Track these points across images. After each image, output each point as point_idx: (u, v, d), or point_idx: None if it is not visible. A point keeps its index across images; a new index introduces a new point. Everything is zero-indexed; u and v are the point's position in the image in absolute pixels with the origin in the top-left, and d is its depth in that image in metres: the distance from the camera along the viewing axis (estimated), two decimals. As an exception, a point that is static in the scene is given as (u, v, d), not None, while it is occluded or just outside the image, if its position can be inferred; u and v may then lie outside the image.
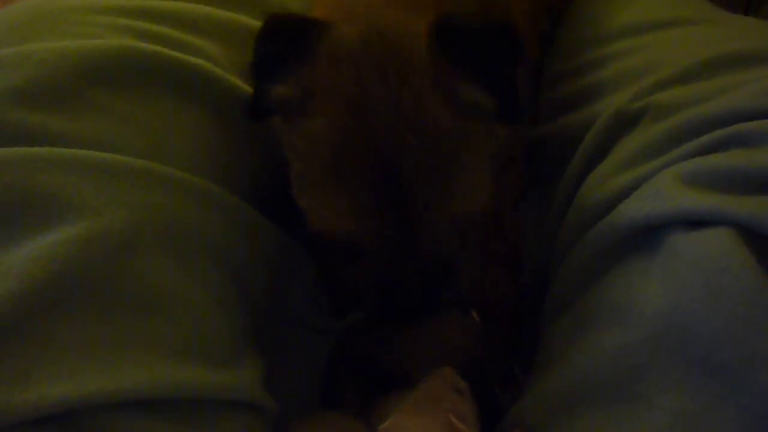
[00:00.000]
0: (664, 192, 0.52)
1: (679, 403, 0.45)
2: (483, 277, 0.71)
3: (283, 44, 0.57)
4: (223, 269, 0.56)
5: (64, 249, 0.44)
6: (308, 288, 0.72)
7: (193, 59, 0.61)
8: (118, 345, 0.45)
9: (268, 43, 0.58)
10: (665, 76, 0.63)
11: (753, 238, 0.46)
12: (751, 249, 0.45)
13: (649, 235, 0.53)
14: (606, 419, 0.48)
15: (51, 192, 0.47)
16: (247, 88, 0.66)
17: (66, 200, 0.47)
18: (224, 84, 0.63)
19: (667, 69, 0.64)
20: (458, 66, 0.55)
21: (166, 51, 0.59)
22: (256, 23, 0.73)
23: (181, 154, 0.57)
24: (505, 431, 0.56)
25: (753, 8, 1.03)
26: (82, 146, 0.51)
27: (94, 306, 0.45)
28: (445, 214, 0.56)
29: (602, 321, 0.52)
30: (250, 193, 0.64)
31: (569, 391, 0.51)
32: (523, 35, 0.62)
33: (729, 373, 0.43)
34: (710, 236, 0.47)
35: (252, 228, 0.62)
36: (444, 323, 0.62)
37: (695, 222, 0.49)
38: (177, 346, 0.48)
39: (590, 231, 0.59)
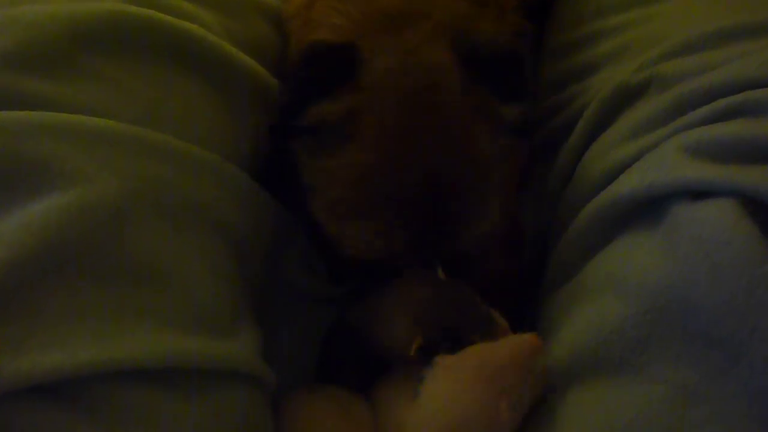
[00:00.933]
0: (667, 162, 0.51)
1: (679, 376, 0.45)
2: (485, 255, 0.71)
3: (324, 70, 0.60)
4: (220, 238, 0.56)
5: (57, 216, 0.44)
6: (303, 254, 0.71)
7: (187, 24, 0.59)
8: (113, 314, 0.45)
9: (309, 68, 0.61)
10: (669, 47, 0.62)
11: (757, 210, 0.45)
12: (754, 221, 0.44)
13: (651, 207, 0.52)
14: (606, 391, 0.47)
15: (42, 158, 0.46)
16: (243, 57, 0.65)
17: (58, 167, 0.46)
18: (219, 51, 0.62)
19: (672, 40, 0.63)
20: (491, 89, 0.60)
21: (160, 16, 0.58)
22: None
23: (175, 122, 0.56)
24: None
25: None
26: (74, 112, 0.49)
27: (88, 275, 0.45)
28: (480, 231, 0.60)
29: (603, 293, 0.52)
30: (246, 163, 0.63)
31: (569, 363, 0.51)
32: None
33: (730, 347, 0.43)
34: (713, 208, 0.46)
35: (249, 197, 0.61)
36: (407, 282, 0.62)
37: (698, 193, 0.48)
38: (172, 316, 0.48)
39: (592, 202, 0.58)
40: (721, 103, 0.52)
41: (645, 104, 0.60)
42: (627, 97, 0.63)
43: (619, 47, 0.70)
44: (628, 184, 0.54)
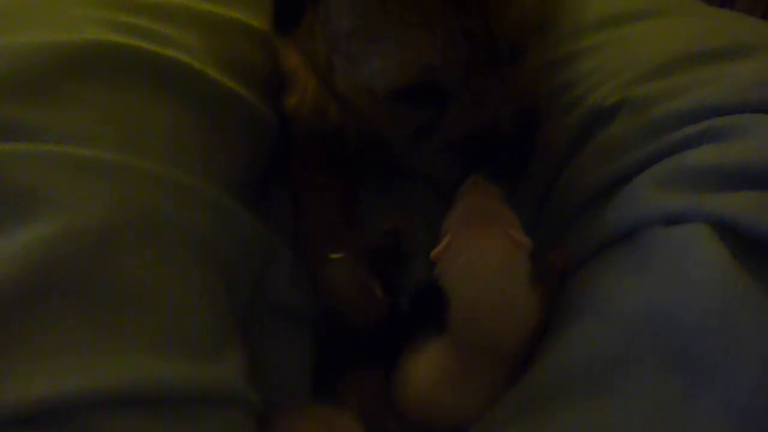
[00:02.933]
0: (641, 198, 0.54)
1: (655, 396, 0.46)
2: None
3: None
4: (204, 262, 0.56)
5: (42, 245, 0.44)
6: (287, 272, 0.71)
7: (170, 52, 0.60)
8: (98, 342, 0.45)
9: None
10: (640, 71, 0.64)
11: (726, 233, 0.47)
12: (726, 243, 0.46)
13: (627, 233, 0.54)
14: (583, 412, 0.48)
15: (28, 187, 0.46)
16: (227, 80, 0.66)
17: (43, 195, 0.46)
18: (202, 77, 0.62)
19: (642, 65, 0.65)
20: None
21: (143, 44, 0.58)
22: (234, 14, 0.73)
23: (158, 148, 0.57)
24: None
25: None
26: (59, 140, 0.50)
27: (73, 303, 0.45)
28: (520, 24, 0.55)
29: (583, 316, 0.53)
30: (229, 185, 0.64)
31: (549, 383, 0.51)
32: None
33: (704, 366, 0.44)
34: (686, 232, 0.48)
35: (232, 220, 0.61)
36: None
37: (672, 219, 0.50)
38: (158, 341, 0.48)
39: (569, 232, 0.60)
40: (688, 130, 0.54)
41: (617, 127, 0.62)
42: (600, 119, 0.65)
43: (594, 68, 0.72)
44: (606, 222, 0.56)
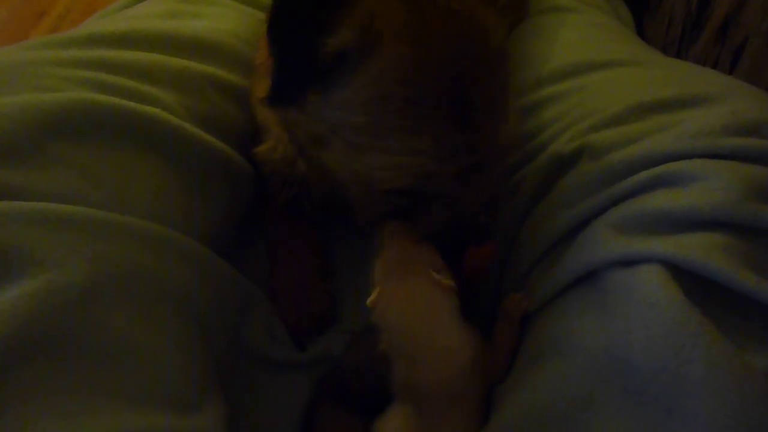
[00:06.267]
0: (599, 241, 0.56)
1: (619, 431, 0.47)
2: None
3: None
4: (183, 313, 0.57)
5: (26, 303, 0.45)
6: (263, 321, 0.73)
7: (149, 109, 0.62)
8: (81, 395, 0.46)
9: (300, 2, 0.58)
10: (598, 119, 0.68)
11: (680, 273, 0.49)
12: (678, 283, 0.48)
13: (587, 274, 0.56)
14: None
15: (12, 245, 0.48)
16: (204, 135, 0.68)
17: (27, 254, 0.48)
18: (180, 132, 0.65)
19: (600, 113, 0.68)
20: None
21: (124, 102, 0.61)
22: (211, 69, 0.76)
23: (139, 203, 0.59)
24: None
25: (684, 47, 1.09)
26: (43, 199, 0.52)
27: (57, 358, 0.46)
28: (504, 141, 0.58)
29: (549, 356, 0.55)
30: (208, 235, 0.65)
31: (518, 424, 0.53)
32: None
33: (663, 401, 0.46)
34: (641, 273, 0.50)
35: (210, 270, 0.63)
36: None
37: (628, 261, 0.52)
38: (139, 394, 0.49)
39: (535, 273, 0.62)
40: (642, 176, 0.57)
41: (577, 172, 0.65)
42: (561, 165, 0.68)
43: (556, 116, 0.75)
44: (567, 265, 0.58)
